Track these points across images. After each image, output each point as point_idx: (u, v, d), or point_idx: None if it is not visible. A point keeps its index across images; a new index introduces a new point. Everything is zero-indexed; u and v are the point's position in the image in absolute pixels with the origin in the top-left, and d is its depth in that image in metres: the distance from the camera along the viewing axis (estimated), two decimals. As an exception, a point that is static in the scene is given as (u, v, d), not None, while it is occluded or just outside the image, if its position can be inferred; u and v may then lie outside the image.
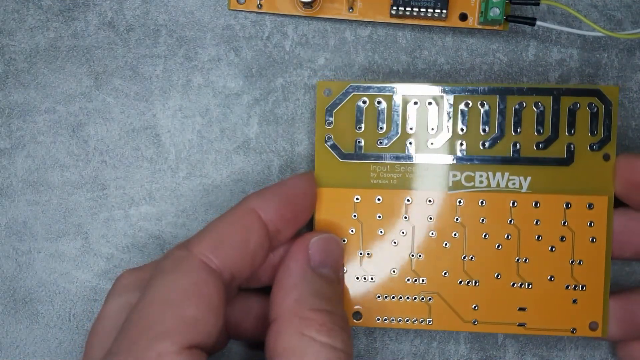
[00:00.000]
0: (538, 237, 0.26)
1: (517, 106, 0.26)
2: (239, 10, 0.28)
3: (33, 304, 0.28)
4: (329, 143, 0.26)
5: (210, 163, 0.28)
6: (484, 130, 0.26)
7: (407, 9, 0.27)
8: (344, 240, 0.26)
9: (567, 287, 0.26)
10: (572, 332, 0.26)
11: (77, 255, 0.28)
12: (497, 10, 0.26)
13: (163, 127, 0.28)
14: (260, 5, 0.28)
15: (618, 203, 0.26)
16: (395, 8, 0.27)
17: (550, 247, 0.26)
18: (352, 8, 0.28)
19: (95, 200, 0.28)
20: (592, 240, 0.26)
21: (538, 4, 0.26)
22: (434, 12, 0.27)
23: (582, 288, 0.26)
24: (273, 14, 0.28)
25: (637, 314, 0.26)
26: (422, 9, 0.27)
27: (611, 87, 0.26)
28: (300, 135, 0.28)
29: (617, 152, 0.26)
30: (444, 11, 0.27)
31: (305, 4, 0.27)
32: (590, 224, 0.26)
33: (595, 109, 0.26)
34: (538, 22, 0.27)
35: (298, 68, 0.28)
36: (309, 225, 0.26)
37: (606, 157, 0.26)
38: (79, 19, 0.28)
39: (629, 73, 0.29)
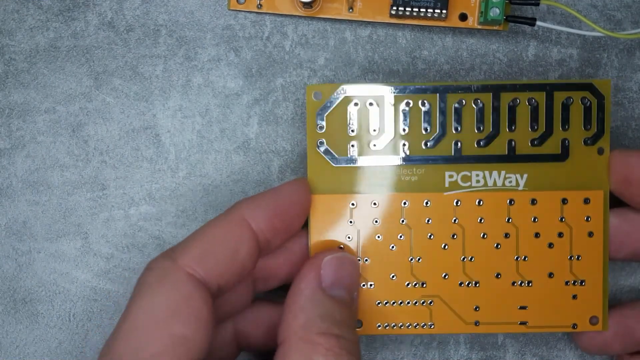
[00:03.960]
0: (536, 235, 0.26)
1: (510, 103, 0.26)
2: (239, 10, 0.28)
3: (33, 304, 0.28)
4: (321, 148, 0.26)
5: (210, 163, 0.28)
6: (479, 129, 0.26)
7: (407, 9, 0.27)
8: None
9: (566, 283, 0.26)
10: (573, 327, 0.26)
11: (77, 255, 0.28)
12: (497, 10, 0.26)
13: (163, 127, 0.28)
14: (260, 5, 0.28)
15: (613, 201, 0.26)
16: (395, 8, 0.27)
17: (548, 244, 0.26)
18: (352, 8, 0.28)
19: (95, 200, 0.28)
20: (590, 234, 0.26)
21: (538, 4, 0.26)
22: (434, 12, 0.27)
23: (581, 283, 0.26)
24: (273, 14, 0.28)
25: (635, 329, 0.26)
26: (422, 9, 0.27)
27: (603, 80, 0.26)
28: (300, 135, 0.28)
29: (612, 146, 0.26)
30: (444, 11, 0.27)
31: (305, 4, 0.27)
32: (587, 219, 0.26)
33: (589, 103, 0.26)
34: (538, 22, 0.27)
35: (298, 68, 0.28)
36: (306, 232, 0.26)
37: (600, 151, 0.26)
38: (79, 19, 0.28)
39: (629, 73, 0.29)
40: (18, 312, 0.28)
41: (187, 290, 0.22)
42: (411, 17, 0.27)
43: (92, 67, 0.28)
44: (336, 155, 0.26)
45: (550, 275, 0.26)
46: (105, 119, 0.28)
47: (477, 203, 0.26)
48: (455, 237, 0.26)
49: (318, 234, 0.26)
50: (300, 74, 0.28)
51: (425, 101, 0.26)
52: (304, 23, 0.28)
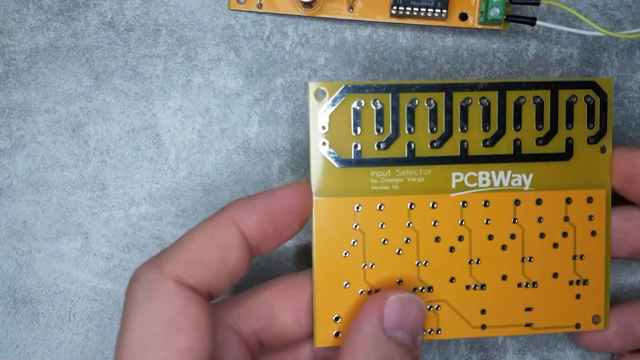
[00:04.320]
0: (541, 235, 0.26)
1: (516, 101, 0.25)
2: (239, 10, 0.28)
3: (33, 304, 0.28)
4: (324, 149, 0.25)
5: (210, 163, 0.28)
6: (485, 128, 0.25)
7: (407, 8, 0.27)
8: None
9: (570, 283, 0.26)
10: (577, 327, 0.26)
11: (77, 255, 0.28)
12: (497, 10, 0.26)
13: (163, 127, 0.28)
14: (260, 5, 0.28)
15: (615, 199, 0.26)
16: (395, 8, 0.27)
17: (553, 244, 0.26)
18: (352, 8, 0.28)
19: (95, 200, 0.28)
20: (593, 234, 0.26)
21: (538, 4, 0.26)
22: (434, 12, 0.27)
23: (584, 283, 0.26)
24: (273, 13, 0.28)
25: (635, 326, 0.26)
26: (422, 9, 0.27)
27: (606, 79, 0.25)
28: (300, 135, 0.28)
29: (613, 146, 0.26)
30: (444, 11, 0.27)
31: (305, 4, 0.27)
32: (590, 218, 0.26)
33: (592, 101, 0.25)
34: (538, 22, 0.27)
35: (298, 68, 0.28)
36: (307, 235, 0.26)
37: (603, 150, 0.26)
38: (79, 19, 0.28)
39: (629, 73, 0.29)
40: (18, 312, 0.28)
41: (180, 300, 0.21)
42: (411, 16, 0.27)
43: (92, 67, 0.28)
44: (340, 157, 0.25)
45: (555, 275, 0.26)
46: (106, 119, 0.28)
47: (483, 204, 0.25)
48: (462, 239, 0.25)
49: (322, 239, 0.25)
50: (300, 73, 0.28)
51: (431, 99, 0.25)
52: (304, 23, 0.28)
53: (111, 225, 0.28)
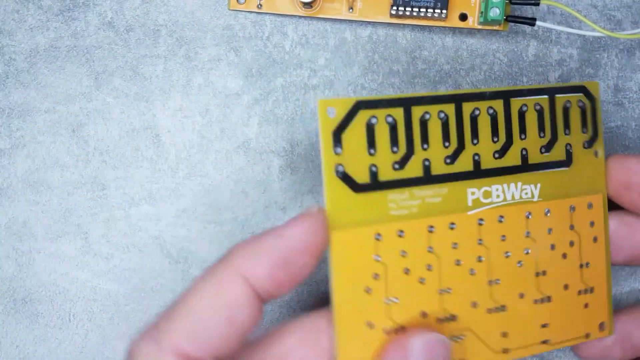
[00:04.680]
0: (552, 246, 0.25)
1: (520, 109, 0.24)
2: (239, 10, 0.28)
3: (33, 304, 0.28)
4: (339, 174, 0.22)
5: (210, 163, 0.28)
6: (494, 139, 0.24)
7: (407, 9, 0.27)
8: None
9: (579, 292, 0.25)
10: (587, 337, 0.25)
11: (77, 255, 0.28)
12: (497, 10, 0.26)
13: (163, 127, 0.28)
14: (260, 5, 0.28)
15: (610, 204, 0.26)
16: (395, 8, 0.27)
17: (562, 255, 0.25)
18: (352, 8, 0.28)
19: (95, 200, 0.28)
20: (595, 240, 0.25)
21: (538, 4, 0.26)
22: (434, 12, 0.27)
23: (591, 291, 0.25)
24: (273, 14, 0.28)
25: (632, 334, 0.26)
26: (422, 9, 0.27)
27: (592, 82, 0.25)
28: (300, 135, 0.28)
29: (613, 151, 0.26)
30: (444, 11, 0.27)
31: (305, 4, 0.27)
32: (592, 224, 0.25)
33: (584, 105, 0.25)
34: (538, 22, 0.27)
35: (298, 68, 0.28)
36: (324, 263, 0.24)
37: (596, 154, 0.25)
38: (79, 19, 0.28)
39: (629, 73, 0.29)
40: (18, 312, 0.28)
41: None
42: (411, 17, 0.27)
43: (92, 67, 0.28)
44: (357, 181, 0.22)
45: (566, 287, 0.25)
46: (105, 119, 0.28)
47: (498, 220, 0.24)
48: (481, 259, 0.24)
49: (342, 277, 0.22)
50: (300, 74, 0.28)
51: (442, 112, 0.23)
52: (304, 23, 0.28)
53: (111, 225, 0.28)
